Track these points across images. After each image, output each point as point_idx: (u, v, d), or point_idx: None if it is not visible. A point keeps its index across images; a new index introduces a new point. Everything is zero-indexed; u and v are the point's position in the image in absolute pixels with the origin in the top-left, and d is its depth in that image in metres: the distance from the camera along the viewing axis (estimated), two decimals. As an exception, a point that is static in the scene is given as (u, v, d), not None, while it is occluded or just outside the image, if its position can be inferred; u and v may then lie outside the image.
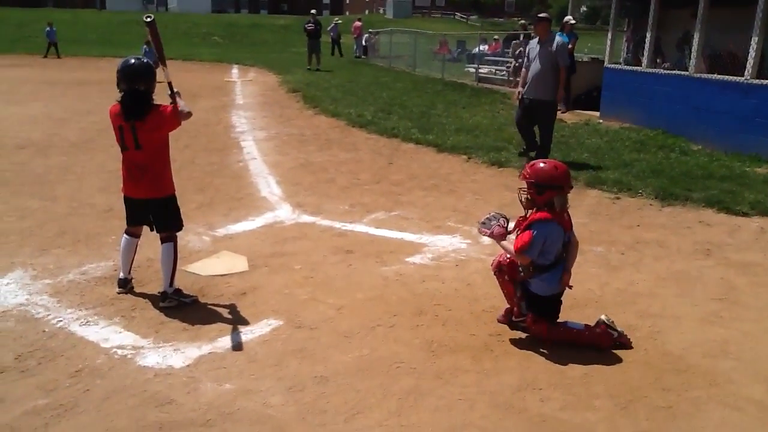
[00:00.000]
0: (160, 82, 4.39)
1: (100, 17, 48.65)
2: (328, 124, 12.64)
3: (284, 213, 6.99)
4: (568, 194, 4.04)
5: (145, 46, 21.86)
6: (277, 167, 9.19)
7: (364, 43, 31.42)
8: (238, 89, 18.78)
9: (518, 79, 10.74)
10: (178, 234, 4.71)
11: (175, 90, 4.36)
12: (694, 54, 10.73)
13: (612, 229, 6.53)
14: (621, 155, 9.57)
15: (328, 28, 29.67)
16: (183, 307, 4.53)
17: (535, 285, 4.09)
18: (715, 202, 7.09)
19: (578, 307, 4.59)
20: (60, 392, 3.48)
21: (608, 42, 13.22)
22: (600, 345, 4.04)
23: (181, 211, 4.71)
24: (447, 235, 6.25)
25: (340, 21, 33.97)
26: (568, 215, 4.13)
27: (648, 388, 3.64)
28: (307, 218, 6.80)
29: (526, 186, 4.03)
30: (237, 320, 4.40)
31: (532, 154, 8.95)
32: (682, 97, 11.04)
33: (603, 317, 4.14)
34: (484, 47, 22.43)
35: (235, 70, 24.77)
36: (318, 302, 4.70)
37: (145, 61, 4.46)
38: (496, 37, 24.02)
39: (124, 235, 4.73)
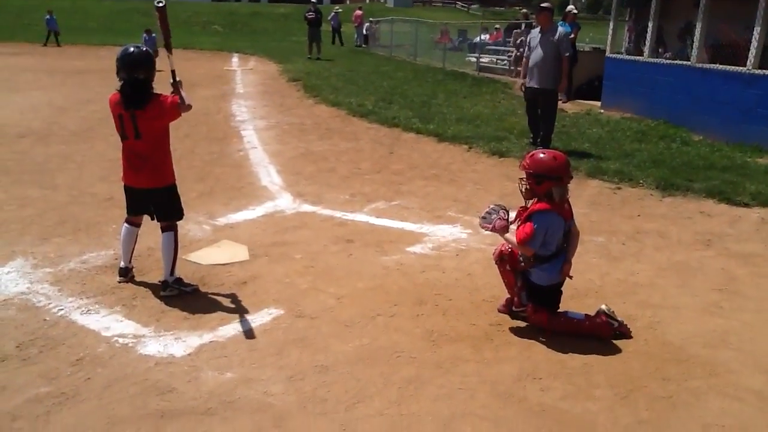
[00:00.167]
0: (160, 71, 4.37)
1: (100, 5, 48.37)
2: (328, 114, 12.60)
3: (285, 202, 6.98)
4: (568, 185, 4.03)
5: (144, 35, 21.78)
6: (278, 156, 9.17)
7: (364, 32, 31.29)
8: (238, 78, 18.72)
9: (519, 68, 10.71)
10: (179, 223, 4.70)
11: (177, 79, 4.35)
12: (696, 44, 10.69)
13: (612, 219, 6.53)
14: (622, 145, 9.54)
15: (329, 17, 29.53)
16: (184, 296, 4.54)
17: (535, 275, 4.09)
18: (716, 192, 7.07)
19: (578, 297, 4.60)
20: (61, 380, 3.49)
21: (610, 31, 13.15)
22: (600, 335, 4.05)
23: (181, 200, 4.71)
24: (448, 225, 6.25)
25: (340, 9, 33.81)
26: (569, 205, 4.12)
27: (648, 378, 3.64)
28: (307, 207, 6.80)
29: (525, 176, 4.02)
30: (238, 309, 4.40)
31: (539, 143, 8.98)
32: (684, 88, 11.00)
33: (603, 307, 4.15)
34: (485, 36, 22.36)
35: (235, 59, 24.68)
36: (318, 291, 4.70)
37: (144, 49, 4.42)
38: (497, 26, 23.94)
39: (125, 224, 4.73)
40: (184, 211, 4.77)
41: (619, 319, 4.13)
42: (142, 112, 4.26)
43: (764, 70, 9.38)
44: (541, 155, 4.02)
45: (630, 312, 4.39)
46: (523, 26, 17.60)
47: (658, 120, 11.16)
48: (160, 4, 4.31)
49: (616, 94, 12.79)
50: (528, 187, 4.02)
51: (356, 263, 5.28)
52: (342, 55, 25.06)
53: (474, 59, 20.24)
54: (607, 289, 4.85)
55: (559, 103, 9.84)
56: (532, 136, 9.44)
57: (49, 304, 4.36)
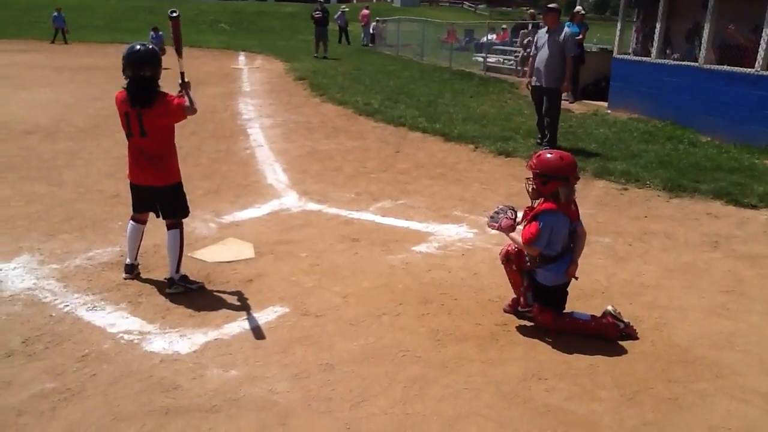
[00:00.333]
0: (166, 69, 4.38)
1: (106, 3, 48.50)
2: (335, 112, 12.61)
3: (291, 200, 6.99)
4: (575, 185, 4.02)
5: (152, 33, 21.83)
6: (284, 155, 9.18)
7: (371, 31, 31.23)
8: (245, 76, 18.74)
9: (526, 68, 10.70)
10: (185, 220, 4.71)
11: (186, 80, 4.35)
12: (704, 45, 10.63)
13: (619, 220, 6.51)
14: (629, 146, 9.51)
15: (336, 16, 29.52)
16: (189, 294, 4.55)
17: (541, 275, 4.08)
18: (723, 194, 7.04)
19: (585, 297, 4.58)
20: (67, 376, 3.50)
21: (617, 32, 13.10)
22: (606, 336, 4.03)
23: (187, 197, 4.71)
24: (453, 225, 6.24)
25: (347, 9, 33.77)
26: (576, 205, 4.11)
27: (654, 379, 3.63)
28: (313, 206, 6.80)
29: (532, 176, 4.01)
30: (243, 307, 4.41)
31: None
32: (691, 88, 10.94)
33: (609, 308, 4.14)
34: (492, 36, 22.29)
35: (242, 57, 24.71)
36: (324, 290, 4.70)
37: (150, 47, 4.42)
38: (504, 26, 23.85)
39: (131, 222, 4.74)
40: (190, 209, 4.77)
41: (625, 320, 4.11)
42: (149, 110, 4.27)
43: (772, 72, 9.33)
44: (548, 155, 4.01)
45: (636, 313, 4.38)
46: (530, 26, 17.54)
47: (666, 121, 11.11)
48: (174, 14, 4.33)
49: (623, 94, 12.74)
50: (534, 187, 4.01)
51: (362, 262, 5.28)
52: (349, 54, 25.05)
53: (481, 59, 20.20)
54: (614, 290, 4.83)
55: (566, 103, 9.83)
56: (539, 136, 9.43)
57: (55, 300, 4.38)
